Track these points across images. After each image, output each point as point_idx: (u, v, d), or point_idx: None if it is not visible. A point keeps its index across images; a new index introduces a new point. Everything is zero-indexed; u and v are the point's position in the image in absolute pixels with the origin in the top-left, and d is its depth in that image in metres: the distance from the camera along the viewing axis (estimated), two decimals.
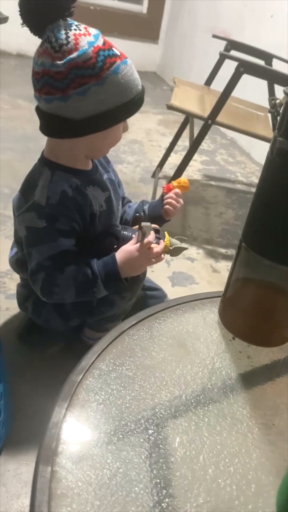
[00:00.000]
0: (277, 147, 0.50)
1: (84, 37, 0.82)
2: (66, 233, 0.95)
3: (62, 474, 0.40)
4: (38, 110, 0.90)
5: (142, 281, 1.13)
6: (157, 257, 0.99)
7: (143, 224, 0.96)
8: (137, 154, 2.69)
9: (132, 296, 1.10)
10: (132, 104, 0.89)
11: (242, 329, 0.59)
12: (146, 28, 4.65)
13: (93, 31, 0.85)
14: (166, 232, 1.07)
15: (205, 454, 0.45)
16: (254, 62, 1.69)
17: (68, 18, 0.83)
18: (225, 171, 2.75)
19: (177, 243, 1.07)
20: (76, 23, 0.84)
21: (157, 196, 1.94)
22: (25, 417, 1.04)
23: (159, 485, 0.41)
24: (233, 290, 0.60)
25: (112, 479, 0.41)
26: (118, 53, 0.86)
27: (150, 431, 0.46)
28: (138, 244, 0.96)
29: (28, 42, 4.20)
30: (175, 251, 1.07)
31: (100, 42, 0.84)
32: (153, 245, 0.99)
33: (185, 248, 1.10)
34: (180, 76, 3.33)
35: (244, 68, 1.60)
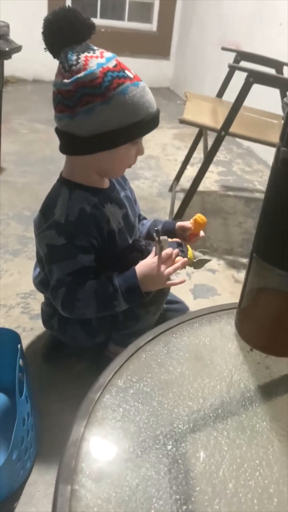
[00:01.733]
0: (281, 157, 0.50)
1: (95, 59, 0.86)
2: (85, 250, 0.97)
3: (82, 493, 0.41)
4: (56, 128, 0.94)
5: (166, 295, 1.13)
6: (177, 275, 1.00)
7: (160, 238, 0.97)
8: (154, 169, 2.71)
9: (157, 310, 1.10)
10: (140, 125, 0.90)
11: (259, 340, 0.59)
12: (157, 45, 4.72)
13: (107, 54, 0.88)
14: (188, 245, 1.08)
15: (225, 468, 0.44)
16: (264, 71, 1.70)
17: (88, 43, 0.88)
18: (243, 181, 2.74)
19: (200, 255, 1.08)
20: (93, 47, 0.88)
21: (175, 210, 1.95)
22: (53, 436, 1.04)
23: (179, 502, 0.41)
24: (248, 301, 0.60)
25: (131, 496, 0.41)
26: (131, 76, 0.88)
27: (169, 447, 0.46)
28: (156, 257, 0.97)
29: (43, 68, 4.33)
30: (198, 264, 1.08)
31: (111, 64, 0.86)
32: (176, 257, 1.00)
33: (209, 260, 1.10)
34: (193, 89, 3.37)
35: (254, 78, 1.61)
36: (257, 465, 0.45)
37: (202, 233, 1.17)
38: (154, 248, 1.00)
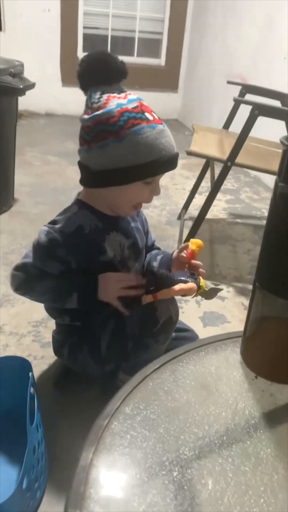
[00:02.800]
0: (279, 191, 0.53)
1: (116, 99, 0.91)
2: (58, 260, 1.01)
3: None
4: (78, 161, 1.00)
5: (175, 323, 1.14)
6: (127, 290, 1.02)
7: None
8: (163, 198, 2.76)
9: (166, 339, 1.11)
10: (150, 166, 0.92)
11: (263, 367, 0.60)
12: (165, 79, 4.87)
13: (132, 96, 0.93)
14: (201, 276, 1.10)
15: (230, 495, 0.45)
16: (268, 104, 1.75)
17: (120, 85, 0.95)
18: (251, 208, 2.78)
19: (210, 285, 1.10)
20: (123, 89, 0.94)
21: (184, 237, 1.98)
22: (63, 466, 1.05)
23: None
24: (252, 329, 0.62)
25: None
26: (150, 118, 0.92)
27: (175, 473, 0.47)
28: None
29: (55, 102, 4.49)
30: (210, 293, 1.09)
31: (131, 105, 0.91)
32: (182, 285, 1.01)
33: (221, 290, 1.12)
34: (200, 121, 3.46)
35: (258, 110, 1.66)
36: (261, 492, 0.46)
37: (199, 263, 1.14)
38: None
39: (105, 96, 0.91)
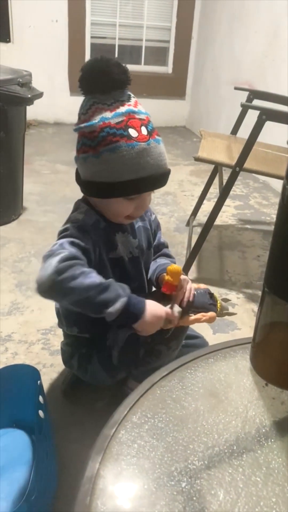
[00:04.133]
0: (287, 195, 0.52)
1: (103, 112, 0.89)
2: (86, 251, 0.93)
3: None
4: None
5: (186, 330, 1.14)
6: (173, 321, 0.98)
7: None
8: (171, 205, 2.76)
9: (177, 346, 1.10)
10: (128, 185, 0.90)
11: (274, 374, 0.59)
12: (172, 86, 4.90)
13: (121, 109, 0.89)
14: (217, 298, 1.10)
15: (240, 506, 0.44)
16: (276, 109, 1.74)
17: (123, 91, 0.92)
18: (260, 214, 2.76)
19: (226, 307, 1.11)
20: (119, 98, 0.90)
21: (193, 243, 1.97)
22: (72, 475, 1.03)
23: None
24: (261, 336, 0.61)
25: None
26: (134, 135, 0.88)
27: (184, 484, 0.46)
28: (168, 308, 0.96)
29: (63, 112, 4.53)
30: (221, 315, 1.10)
31: (114, 120, 0.88)
32: (204, 315, 1.03)
33: (234, 314, 1.14)
34: (208, 127, 3.45)
35: (266, 115, 1.65)
36: (273, 503, 0.44)
37: (183, 292, 1.05)
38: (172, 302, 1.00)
39: (93, 108, 0.90)
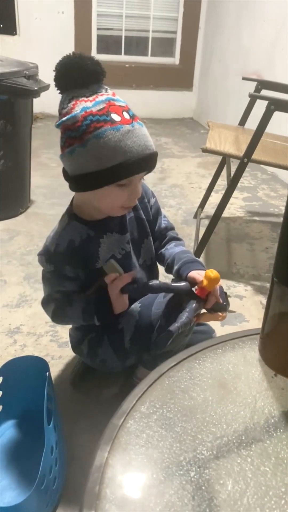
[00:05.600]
0: None
1: (83, 103, 0.89)
2: (71, 279, 1.04)
3: None
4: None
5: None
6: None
7: (108, 264, 0.99)
8: (178, 197, 2.75)
9: (189, 331, 1.09)
10: (117, 169, 0.89)
11: (283, 365, 0.59)
12: (180, 78, 4.86)
13: (100, 98, 0.89)
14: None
15: (249, 496, 0.44)
16: (285, 99, 1.72)
17: (99, 85, 0.92)
18: (268, 206, 2.74)
19: (229, 304, 1.12)
20: (96, 90, 0.91)
21: (200, 236, 1.96)
22: (81, 465, 1.04)
23: None
24: (270, 326, 0.60)
25: None
26: (117, 119, 0.88)
27: (192, 473, 0.46)
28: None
29: None
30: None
31: (96, 108, 0.88)
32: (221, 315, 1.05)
33: (234, 312, 1.20)
34: (216, 118, 3.43)
35: (274, 105, 1.63)
36: (282, 493, 0.44)
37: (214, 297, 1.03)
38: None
39: (73, 101, 0.90)
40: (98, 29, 4.49)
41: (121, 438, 0.49)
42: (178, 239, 1.23)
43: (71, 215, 1.05)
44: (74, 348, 1.22)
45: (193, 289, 1.01)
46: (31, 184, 2.49)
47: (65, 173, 0.97)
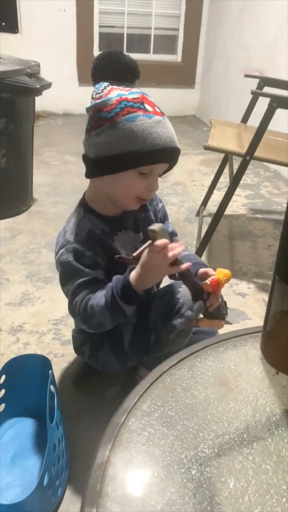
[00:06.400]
0: None
1: (119, 90, 0.92)
2: (92, 266, 1.00)
3: None
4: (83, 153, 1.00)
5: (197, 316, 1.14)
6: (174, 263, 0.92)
7: (152, 227, 0.88)
8: (181, 195, 2.74)
9: (187, 334, 1.10)
10: (144, 154, 0.90)
11: (284, 363, 0.59)
12: (182, 75, 4.84)
13: (135, 90, 0.94)
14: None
15: (250, 493, 0.44)
16: (287, 96, 1.71)
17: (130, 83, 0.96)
18: (271, 203, 2.73)
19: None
20: (130, 86, 0.95)
21: (203, 234, 1.96)
22: (83, 463, 1.05)
23: None
24: (272, 324, 0.60)
25: None
26: (149, 109, 0.91)
27: (194, 471, 0.46)
28: (147, 250, 0.90)
29: (73, 102, 4.51)
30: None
31: (131, 96, 0.91)
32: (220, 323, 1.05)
33: (230, 323, 1.19)
34: (218, 116, 3.42)
35: (277, 103, 1.63)
36: (284, 491, 0.44)
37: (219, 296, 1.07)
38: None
39: (108, 87, 0.93)
40: (100, 26, 4.48)
41: (122, 436, 0.49)
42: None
43: (87, 208, 1.04)
44: (76, 349, 1.22)
45: (207, 280, 1.01)
46: (33, 182, 2.49)
47: (86, 158, 0.97)
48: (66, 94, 4.41)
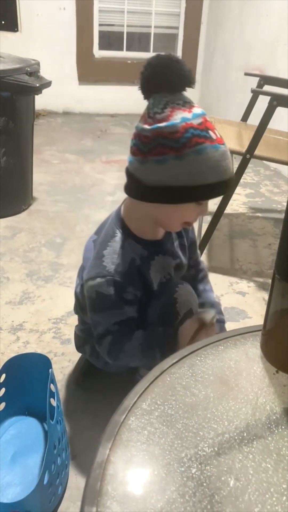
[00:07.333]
0: None
1: (181, 112, 0.85)
2: (131, 302, 0.98)
3: None
4: (126, 168, 0.93)
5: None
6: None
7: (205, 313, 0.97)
8: None
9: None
10: (208, 189, 0.87)
11: (284, 361, 0.59)
12: None
13: (197, 110, 0.87)
14: None
15: (250, 492, 0.44)
16: (287, 95, 1.71)
17: (183, 93, 0.88)
18: (271, 202, 2.73)
19: None
20: (187, 100, 0.87)
21: (203, 232, 1.96)
22: (84, 462, 1.05)
23: None
24: (272, 323, 0.60)
25: None
26: (214, 137, 0.86)
27: (194, 470, 0.46)
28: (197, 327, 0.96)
29: (73, 101, 4.51)
30: None
31: (196, 121, 0.85)
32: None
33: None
34: (218, 114, 3.41)
35: (277, 101, 1.63)
36: (284, 490, 0.44)
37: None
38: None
39: (169, 108, 0.85)
40: (100, 25, 4.48)
41: (122, 435, 0.49)
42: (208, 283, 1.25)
43: (125, 230, 1.00)
44: (78, 347, 1.23)
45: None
46: (34, 181, 2.49)
47: (137, 180, 0.89)
48: (66, 92, 4.41)
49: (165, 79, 0.85)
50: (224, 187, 0.88)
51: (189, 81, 0.87)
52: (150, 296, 1.02)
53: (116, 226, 1.01)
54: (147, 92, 0.88)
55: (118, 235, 0.99)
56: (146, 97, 0.89)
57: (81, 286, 1.08)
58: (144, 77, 0.87)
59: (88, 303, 1.01)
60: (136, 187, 0.91)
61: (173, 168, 0.84)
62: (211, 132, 0.86)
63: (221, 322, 1.19)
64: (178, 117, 0.84)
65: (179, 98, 0.87)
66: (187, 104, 0.87)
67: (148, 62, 0.86)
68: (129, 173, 0.92)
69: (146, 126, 0.86)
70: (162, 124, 0.84)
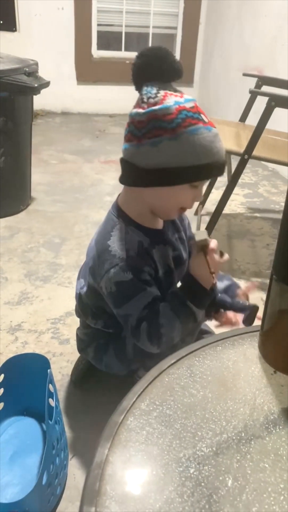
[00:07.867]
0: None
1: (174, 97, 0.87)
2: (150, 282, 0.97)
3: None
4: (121, 158, 0.95)
5: (201, 322, 1.14)
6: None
7: (197, 233, 0.98)
8: None
9: (192, 340, 1.10)
10: (203, 169, 0.88)
11: (282, 362, 0.59)
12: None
13: (188, 96, 0.89)
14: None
15: (248, 492, 0.44)
16: (286, 95, 1.71)
17: (172, 85, 0.90)
18: (269, 202, 2.74)
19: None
20: (177, 89, 0.90)
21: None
22: (82, 462, 1.05)
23: None
24: (270, 323, 0.60)
25: None
26: (206, 120, 0.88)
27: (192, 470, 0.46)
28: (203, 257, 0.97)
29: (71, 101, 4.51)
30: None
31: (188, 105, 0.87)
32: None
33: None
34: (217, 115, 3.42)
35: (275, 102, 1.63)
36: (281, 490, 0.44)
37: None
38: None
39: (162, 92, 0.87)
40: (98, 25, 4.47)
41: (121, 435, 0.49)
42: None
43: (125, 219, 1.00)
44: (80, 350, 1.22)
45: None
46: (32, 181, 2.49)
47: (131, 166, 0.91)
48: (64, 92, 4.41)
49: (158, 67, 0.88)
50: (217, 168, 0.90)
51: (180, 72, 0.90)
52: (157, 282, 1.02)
53: (115, 216, 1.01)
54: (139, 82, 0.91)
55: (120, 224, 0.99)
56: (138, 87, 0.91)
57: (88, 286, 1.06)
58: (137, 67, 0.90)
59: (111, 301, 0.99)
60: (131, 173, 0.92)
61: (168, 149, 0.86)
62: (203, 116, 0.88)
63: (238, 287, 1.22)
64: (171, 100, 0.86)
65: (170, 87, 0.90)
66: (178, 92, 0.90)
67: (141, 52, 0.89)
68: (124, 161, 0.93)
69: (141, 110, 0.88)
70: (156, 107, 0.86)
